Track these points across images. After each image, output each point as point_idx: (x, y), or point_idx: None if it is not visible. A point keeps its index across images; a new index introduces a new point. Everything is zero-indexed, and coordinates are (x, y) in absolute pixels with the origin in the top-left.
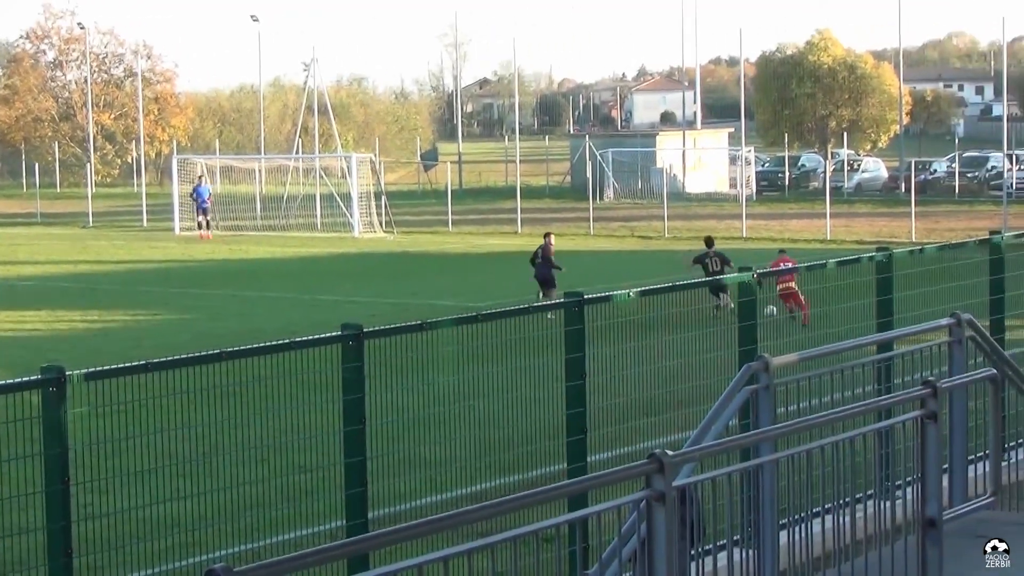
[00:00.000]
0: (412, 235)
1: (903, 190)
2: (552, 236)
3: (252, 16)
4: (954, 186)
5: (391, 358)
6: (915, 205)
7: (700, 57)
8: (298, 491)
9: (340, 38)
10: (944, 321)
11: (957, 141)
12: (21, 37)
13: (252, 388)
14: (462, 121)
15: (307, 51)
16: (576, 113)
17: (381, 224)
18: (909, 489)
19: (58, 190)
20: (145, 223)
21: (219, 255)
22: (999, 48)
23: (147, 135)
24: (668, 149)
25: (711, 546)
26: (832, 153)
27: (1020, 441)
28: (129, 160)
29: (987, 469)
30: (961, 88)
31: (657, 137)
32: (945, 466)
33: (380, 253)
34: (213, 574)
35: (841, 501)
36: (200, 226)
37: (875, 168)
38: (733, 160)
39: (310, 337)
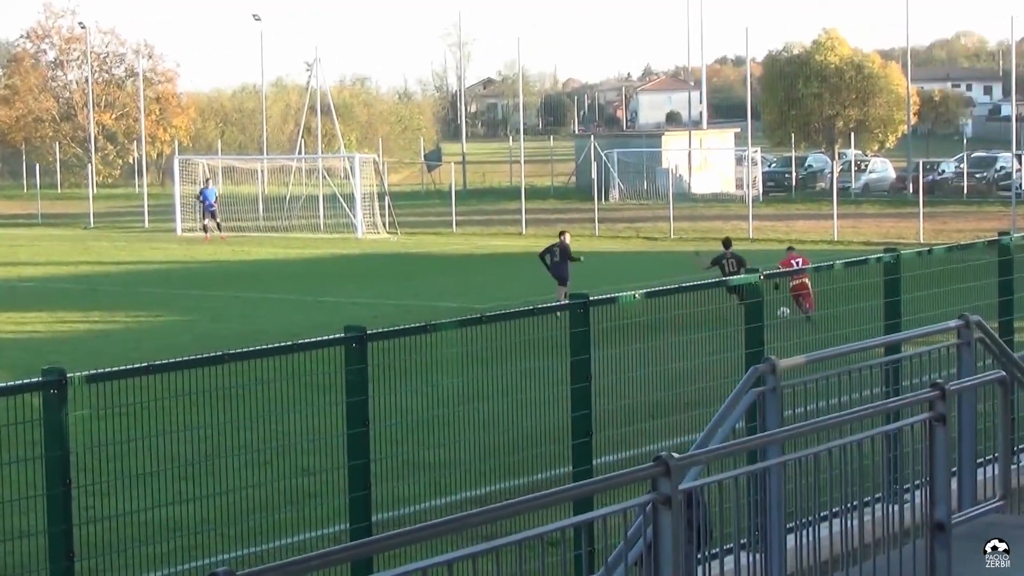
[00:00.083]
0: (416, 236)
1: (911, 191)
2: (567, 235)
3: (254, 15)
4: (962, 187)
5: (394, 360)
6: (923, 206)
7: (706, 56)
8: (301, 494)
9: (343, 37)
10: (953, 323)
11: (965, 141)
12: (22, 36)
13: (255, 390)
14: (466, 121)
15: (310, 51)
16: (581, 113)
17: (384, 225)
18: (918, 492)
19: (59, 191)
20: (147, 224)
21: (221, 256)
22: (1008, 47)
23: (148, 135)
24: (674, 149)
25: (718, 550)
26: (839, 153)
27: None
28: (130, 160)
29: (996, 472)
30: (969, 88)
31: (663, 137)
32: (954, 469)
33: (383, 254)
34: None
35: (849, 504)
36: (205, 229)
37: (883, 169)
38: (739, 161)
39: (313, 339)
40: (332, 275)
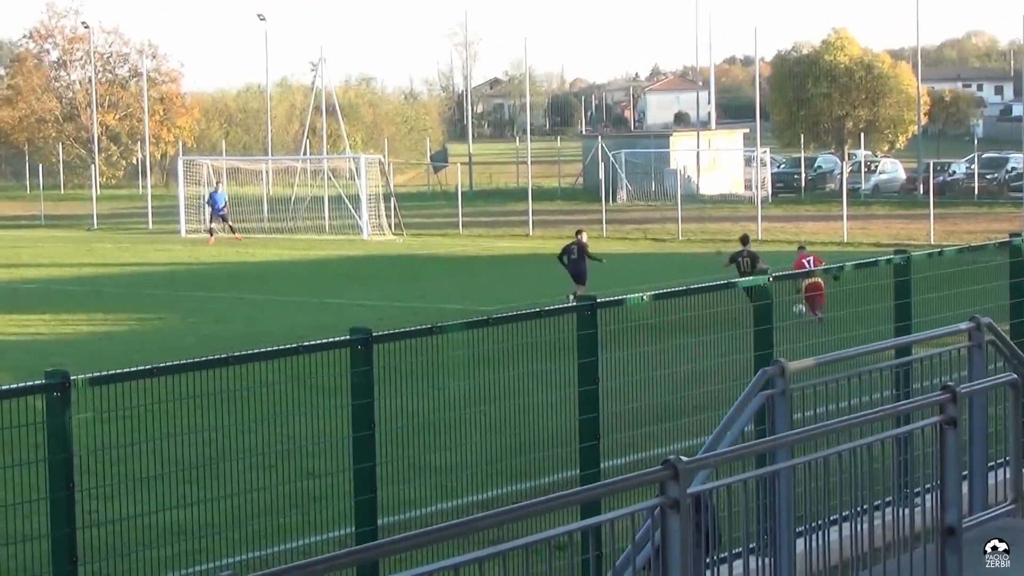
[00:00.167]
0: (421, 237)
1: (921, 192)
2: (584, 234)
3: (259, 15)
4: (973, 187)
5: (400, 362)
6: (933, 207)
7: (714, 56)
8: (306, 497)
9: (348, 37)
10: (963, 325)
11: (976, 142)
12: (24, 36)
13: (259, 393)
14: (472, 122)
15: (315, 50)
16: (588, 113)
17: (390, 226)
18: (928, 496)
19: (62, 192)
20: (150, 225)
21: (225, 258)
22: (1019, 47)
23: (152, 136)
24: (682, 150)
25: (726, 554)
26: (849, 154)
27: None
28: (134, 161)
29: (1008, 476)
30: (980, 88)
31: (671, 138)
32: (965, 473)
33: (389, 256)
34: None
35: (859, 508)
36: (211, 231)
37: (893, 169)
38: (748, 161)
39: (318, 341)
40: (337, 277)
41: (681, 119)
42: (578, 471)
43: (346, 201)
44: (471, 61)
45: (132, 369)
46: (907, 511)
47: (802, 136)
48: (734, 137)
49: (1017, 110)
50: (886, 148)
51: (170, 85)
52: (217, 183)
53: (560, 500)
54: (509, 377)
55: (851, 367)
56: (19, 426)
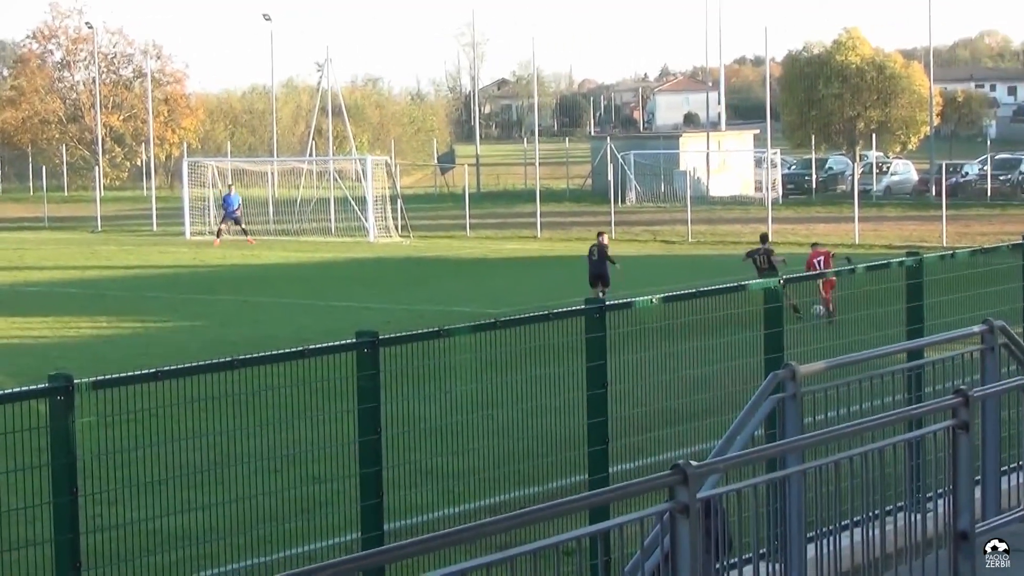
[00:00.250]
0: (428, 240)
1: (933, 193)
2: (605, 236)
3: (264, 15)
4: (986, 189)
5: (407, 366)
6: (946, 209)
7: (724, 57)
8: (312, 503)
9: (354, 37)
10: (976, 328)
11: (989, 143)
12: (28, 37)
13: (264, 397)
14: (480, 123)
15: (321, 51)
16: (597, 114)
17: (397, 228)
18: (941, 501)
19: (66, 193)
20: (155, 227)
21: (230, 260)
22: None
23: (157, 137)
24: (692, 151)
25: (736, 560)
26: (860, 155)
27: None
28: (138, 163)
29: (1021, 480)
30: (993, 88)
31: (680, 139)
32: (977, 478)
33: (395, 258)
34: None
35: (870, 513)
36: (219, 233)
37: (905, 171)
38: (758, 162)
39: (324, 344)
40: (344, 279)
41: (691, 120)
42: (586, 475)
43: (352, 203)
44: (478, 61)
45: (136, 373)
46: (919, 516)
47: (813, 137)
48: (744, 138)
49: None
50: (898, 149)
51: (175, 86)
52: (230, 185)
53: (568, 505)
54: (517, 381)
55: (862, 370)
56: (22, 430)
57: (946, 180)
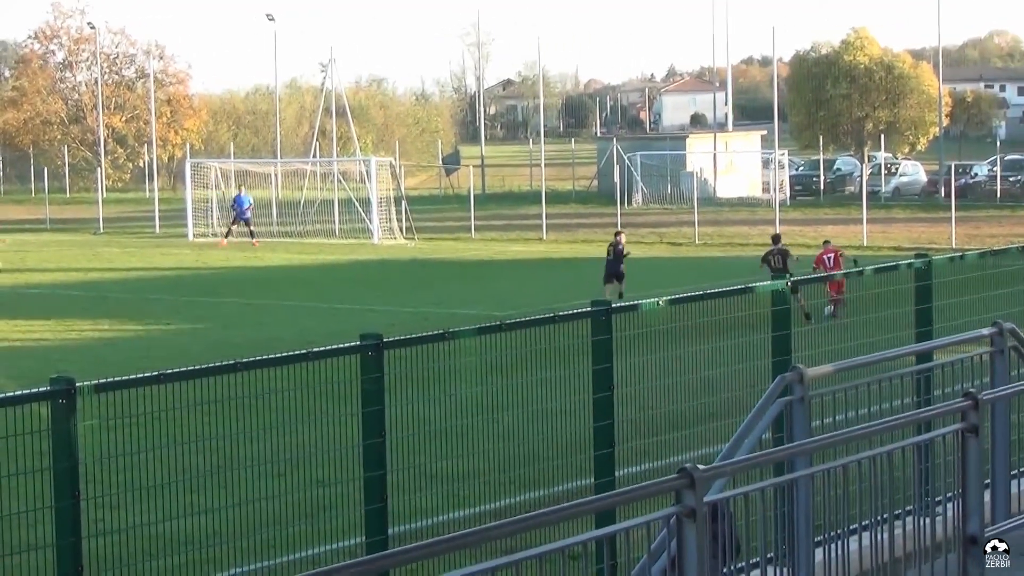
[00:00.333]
0: (433, 241)
1: (942, 195)
2: (623, 235)
3: (268, 15)
4: (995, 190)
5: (412, 369)
6: (955, 210)
7: (731, 57)
8: (315, 507)
9: (358, 38)
10: (985, 331)
11: (999, 144)
12: (29, 37)
13: (268, 400)
14: (485, 123)
15: (324, 51)
16: (603, 115)
17: (401, 230)
18: (950, 505)
19: (68, 195)
20: (157, 229)
21: (234, 262)
22: None
23: (159, 138)
24: (698, 152)
25: (744, 564)
26: (869, 156)
27: None
28: (141, 164)
29: None
30: (1003, 89)
31: (687, 140)
32: (987, 481)
33: (400, 260)
34: None
35: (879, 517)
36: (228, 233)
37: (913, 172)
38: (766, 163)
39: (328, 347)
40: (348, 281)
41: (697, 121)
42: (593, 479)
43: (356, 204)
44: (483, 62)
45: (138, 376)
46: (928, 520)
47: (821, 138)
48: (751, 139)
49: None
50: (907, 150)
51: (177, 86)
52: (241, 185)
53: (574, 509)
54: (522, 384)
55: (871, 373)
56: (24, 434)
57: (955, 181)
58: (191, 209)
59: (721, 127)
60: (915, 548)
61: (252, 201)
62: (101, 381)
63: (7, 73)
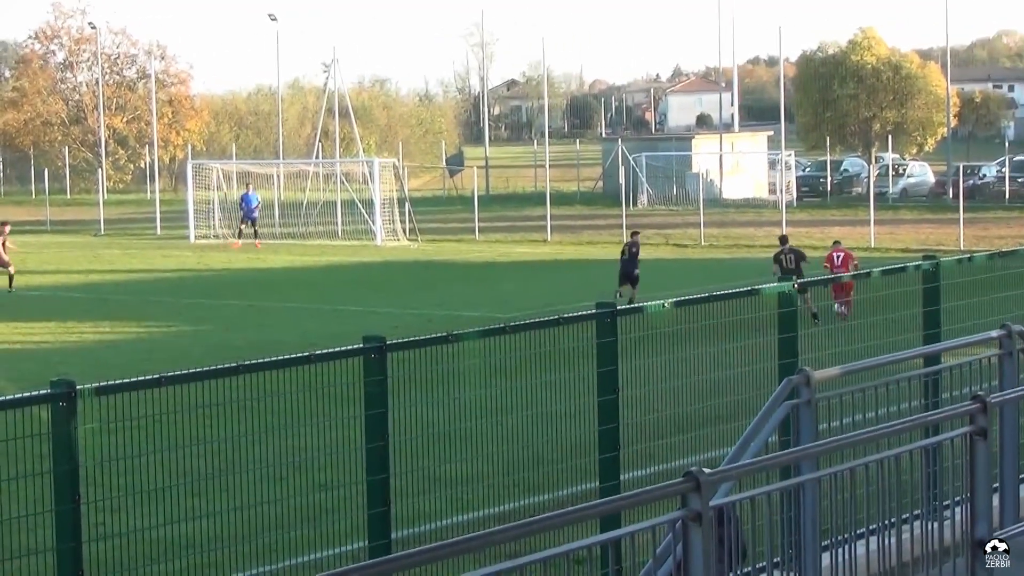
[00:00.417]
0: (437, 243)
1: (951, 196)
2: (639, 235)
3: (270, 15)
4: (1004, 191)
5: (415, 371)
6: (963, 211)
7: (738, 57)
8: (318, 510)
9: (362, 38)
10: (994, 333)
11: (1007, 144)
12: (30, 37)
13: (270, 403)
14: (489, 124)
15: (327, 51)
16: (608, 115)
17: (404, 232)
18: (958, 509)
19: (68, 196)
20: (159, 231)
21: (235, 264)
22: None
23: (161, 139)
24: (704, 153)
25: (750, 569)
26: (876, 157)
27: None
28: (142, 165)
29: None
30: (1012, 89)
31: (693, 140)
32: (995, 485)
33: (403, 262)
34: None
35: (886, 522)
36: (240, 234)
37: (921, 173)
38: (772, 164)
39: (331, 349)
40: (350, 283)
41: (703, 121)
42: (597, 483)
43: (359, 206)
44: (488, 62)
45: (139, 378)
46: (936, 524)
47: (828, 138)
48: (758, 140)
49: None
50: (914, 151)
51: (179, 87)
52: (248, 184)
53: (579, 513)
54: (526, 386)
55: (878, 376)
56: (24, 437)
57: (963, 182)
58: (192, 211)
59: (727, 128)
60: (923, 553)
61: (260, 200)
62: (102, 384)
63: (7, 73)
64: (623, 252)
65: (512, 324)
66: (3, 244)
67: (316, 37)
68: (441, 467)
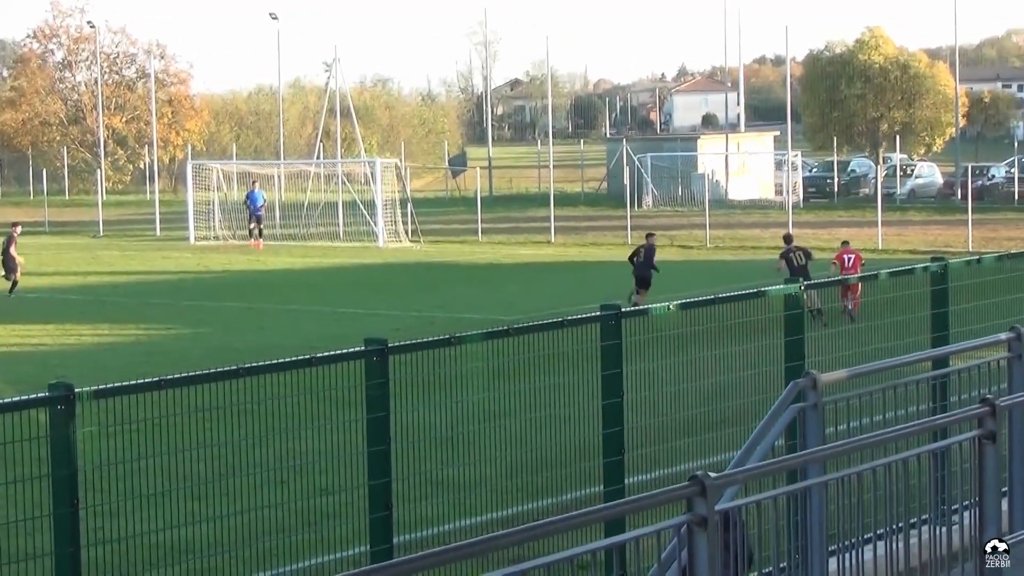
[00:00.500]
0: (439, 244)
1: (959, 197)
2: (654, 237)
3: (271, 14)
4: (1013, 192)
5: (417, 374)
6: (972, 213)
7: (744, 56)
8: (319, 515)
9: (363, 37)
10: (1003, 335)
11: (1016, 144)
12: (28, 36)
13: (270, 406)
14: (492, 124)
15: (329, 50)
16: (613, 115)
17: (407, 233)
18: (966, 514)
19: (67, 197)
20: (158, 232)
21: (235, 266)
22: None
23: (160, 139)
24: (710, 153)
25: (756, 574)
26: (884, 158)
27: None
28: (141, 166)
29: None
30: (1021, 88)
31: (698, 141)
32: (1004, 489)
33: (405, 263)
34: None
35: (894, 526)
36: (251, 233)
37: (929, 173)
38: (779, 165)
39: (332, 352)
40: (352, 285)
41: (709, 121)
42: (602, 487)
43: (361, 207)
44: (491, 61)
45: (138, 382)
46: (944, 529)
47: (835, 139)
48: (764, 140)
49: None
50: (922, 151)
51: (179, 87)
52: (255, 181)
53: (583, 517)
54: (530, 389)
55: (886, 379)
56: (22, 440)
57: (972, 183)
58: (192, 211)
59: (733, 128)
60: (931, 557)
61: (266, 199)
62: (100, 387)
63: (5, 73)
64: (638, 254)
65: (515, 326)
66: (14, 245)
67: (317, 36)
68: (443, 471)
